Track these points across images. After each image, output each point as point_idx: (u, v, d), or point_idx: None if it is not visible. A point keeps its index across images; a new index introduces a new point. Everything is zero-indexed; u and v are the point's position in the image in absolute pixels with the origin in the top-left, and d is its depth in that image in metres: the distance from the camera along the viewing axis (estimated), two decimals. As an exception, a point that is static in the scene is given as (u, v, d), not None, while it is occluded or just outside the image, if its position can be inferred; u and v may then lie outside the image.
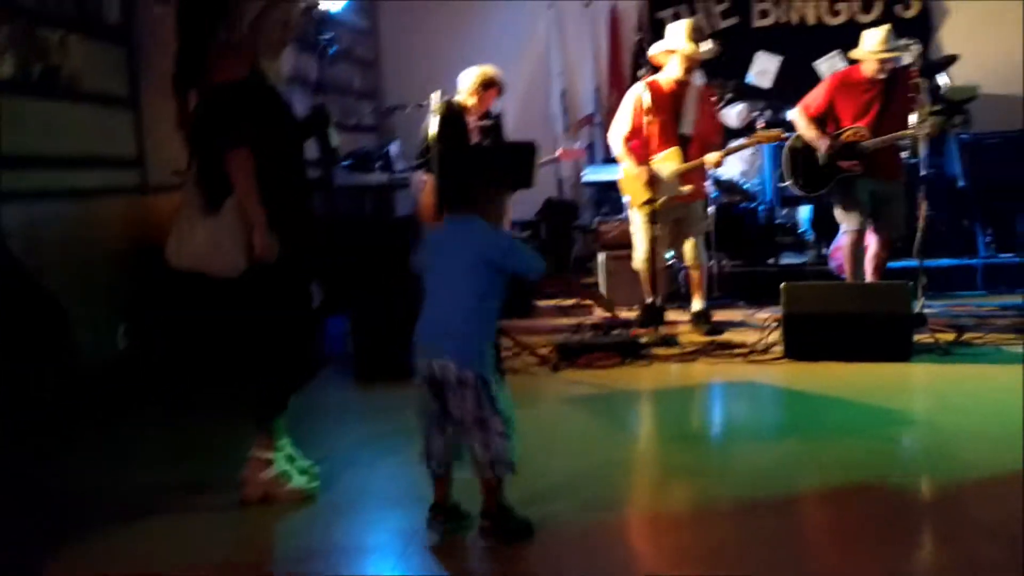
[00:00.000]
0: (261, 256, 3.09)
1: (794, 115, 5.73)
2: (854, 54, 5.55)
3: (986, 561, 2.60)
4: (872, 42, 5.41)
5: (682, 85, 5.62)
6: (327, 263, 6.30)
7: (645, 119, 5.56)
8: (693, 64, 5.60)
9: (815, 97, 5.64)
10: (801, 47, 8.58)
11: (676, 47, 5.54)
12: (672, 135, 5.58)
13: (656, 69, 5.79)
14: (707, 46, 5.61)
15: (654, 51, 5.76)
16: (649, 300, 5.85)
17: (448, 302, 2.79)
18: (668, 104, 5.60)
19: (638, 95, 5.66)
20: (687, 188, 5.56)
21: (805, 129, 5.61)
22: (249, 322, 3.30)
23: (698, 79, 6.23)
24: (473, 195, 2.87)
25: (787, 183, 5.93)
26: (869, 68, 5.45)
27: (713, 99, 5.96)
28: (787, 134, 5.80)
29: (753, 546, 2.78)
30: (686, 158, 5.58)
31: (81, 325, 4.26)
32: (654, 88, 5.64)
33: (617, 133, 5.78)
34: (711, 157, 5.54)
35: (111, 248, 4.65)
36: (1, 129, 3.89)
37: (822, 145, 5.50)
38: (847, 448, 3.68)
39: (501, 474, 2.79)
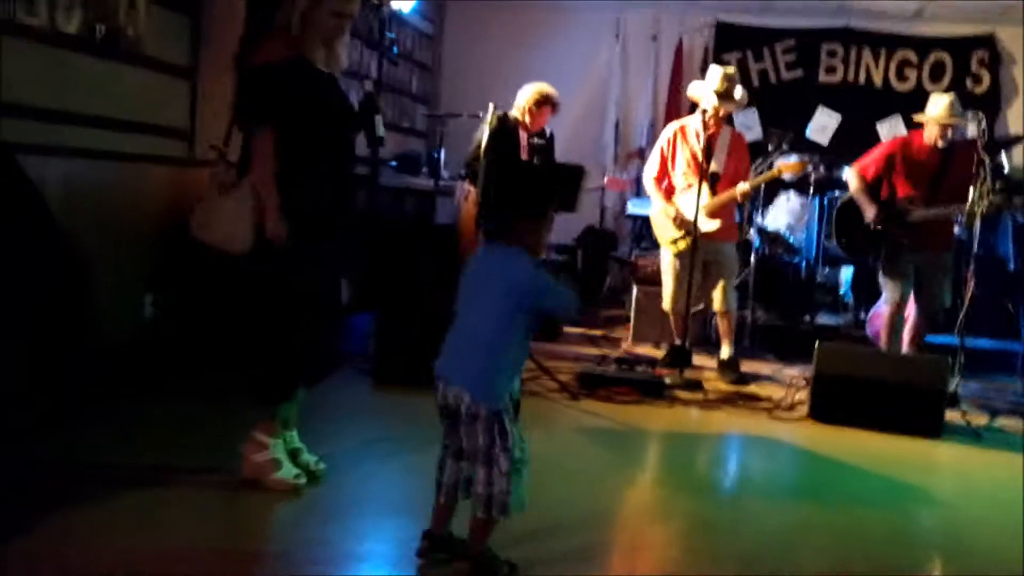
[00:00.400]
0: (270, 239, 3.09)
1: (849, 174, 5.62)
2: (919, 118, 5.44)
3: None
4: (937, 107, 5.31)
5: (714, 127, 5.57)
6: (360, 259, 6.32)
7: (679, 157, 5.66)
8: (722, 113, 5.58)
9: (873, 159, 5.53)
10: (864, 108, 8.50)
11: (705, 94, 5.54)
12: (701, 173, 5.53)
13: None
14: (739, 94, 5.60)
15: (692, 92, 5.74)
16: (677, 342, 5.76)
17: (474, 331, 2.70)
18: (700, 144, 5.57)
19: (669, 136, 5.78)
20: (715, 223, 5.48)
21: (857, 191, 5.50)
22: (259, 305, 3.28)
23: (753, 117, 6.22)
24: (518, 223, 2.73)
25: (833, 242, 5.81)
26: (931, 135, 5.33)
27: (744, 144, 5.88)
28: (810, 165, 5.69)
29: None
30: (714, 195, 5.55)
31: (110, 291, 4.25)
32: (689, 126, 5.72)
33: (649, 171, 5.86)
34: (741, 187, 5.49)
35: (149, 216, 4.63)
36: (56, 85, 3.90)
37: (870, 212, 5.39)
38: (860, 520, 3.56)
39: (496, 515, 2.66)
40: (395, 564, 2.82)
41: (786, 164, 5.53)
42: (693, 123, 5.71)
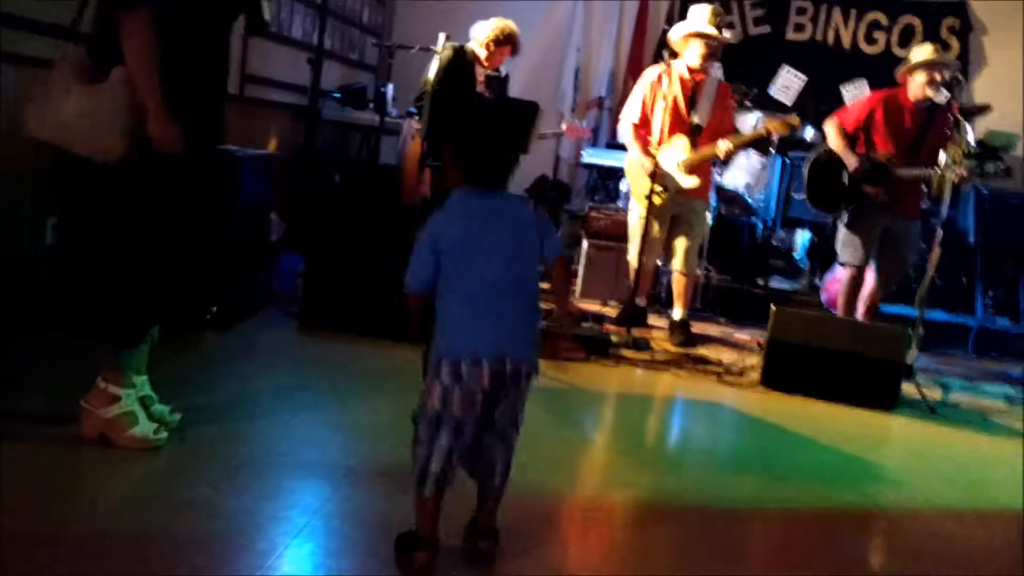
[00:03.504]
0: (161, 146, 2.60)
1: (827, 127, 5.32)
2: (902, 68, 5.12)
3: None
4: (923, 51, 5.02)
5: (700, 74, 5.23)
6: (294, 196, 5.91)
7: (658, 105, 5.23)
8: (712, 50, 5.21)
9: (855, 111, 5.25)
10: (830, 69, 8.23)
11: (696, 29, 5.15)
12: (683, 125, 5.19)
13: (675, 57, 5.39)
14: (728, 33, 5.23)
15: (674, 34, 5.34)
16: (634, 299, 5.47)
17: (509, 292, 2.35)
18: (683, 92, 5.22)
19: (652, 80, 5.34)
20: (694, 180, 5.17)
21: (836, 141, 5.20)
22: (121, 228, 2.78)
23: (717, 72, 5.88)
24: (512, 162, 2.44)
25: (802, 197, 5.54)
26: (917, 86, 5.03)
27: (731, 96, 5.55)
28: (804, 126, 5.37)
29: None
30: (695, 149, 5.19)
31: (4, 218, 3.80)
32: (670, 74, 5.29)
33: (627, 118, 5.43)
34: (723, 144, 5.11)
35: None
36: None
37: (852, 162, 5.09)
38: (810, 495, 3.35)
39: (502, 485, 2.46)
40: (289, 532, 2.49)
41: (772, 122, 5.15)
42: (677, 67, 5.30)
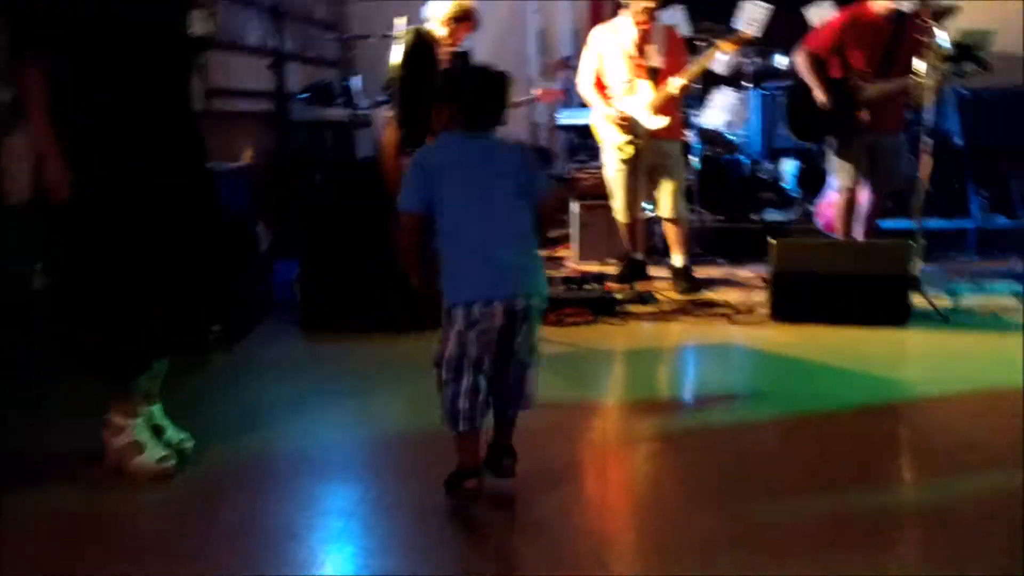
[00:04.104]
0: (48, 191, 2.59)
1: (797, 56, 5.27)
2: None
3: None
4: None
5: (646, 24, 5.22)
6: (277, 202, 5.85)
7: (614, 59, 5.33)
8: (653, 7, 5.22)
9: (821, 37, 5.19)
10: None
11: None
12: (642, 71, 5.20)
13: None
14: None
15: None
16: (632, 254, 5.46)
17: (506, 230, 2.43)
18: (633, 41, 5.22)
19: (601, 38, 5.47)
20: (660, 119, 5.16)
21: (807, 72, 5.16)
22: (76, 266, 2.76)
23: (680, 16, 5.85)
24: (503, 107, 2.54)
25: (785, 130, 5.50)
26: (881, 2, 4.97)
27: (679, 38, 5.55)
28: (752, 30, 5.30)
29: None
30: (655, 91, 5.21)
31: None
32: (618, 27, 5.38)
33: (584, 79, 5.53)
34: (676, 81, 5.13)
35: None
36: None
37: (821, 97, 5.06)
38: (838, 423, 3.33)
39: (531, 405, 2.62)
40: (327, 538, 2.48)
41: (722, 41, 5.13)
42: (622, 22, 5.38)
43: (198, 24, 2.81)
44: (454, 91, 2.52)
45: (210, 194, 3.20)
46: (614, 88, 5.39)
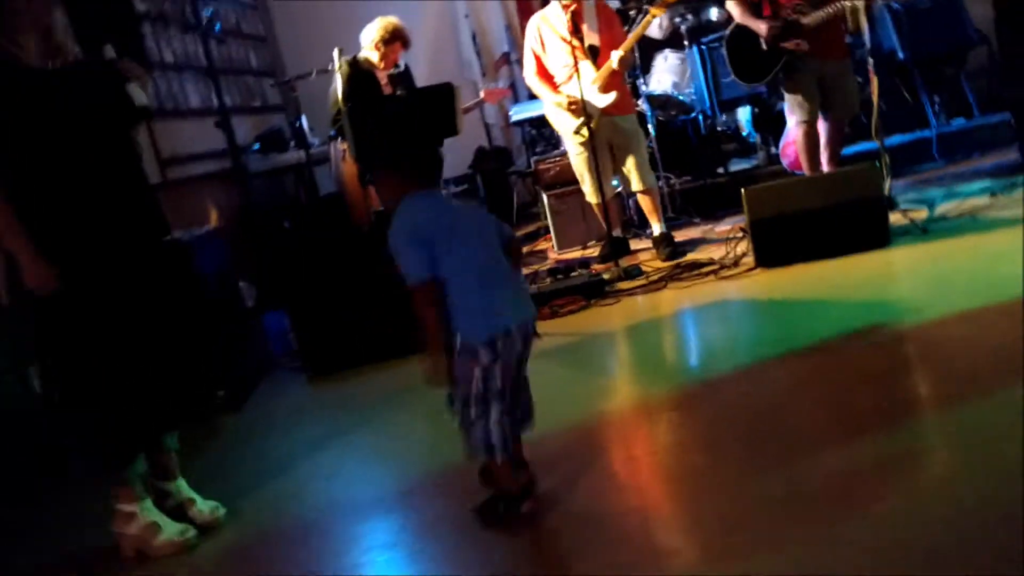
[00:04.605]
0: (35, 290, 2.61)
1: (728, 3, 5.31)
2: None
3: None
4: None
5: (573, 3, 5.23)
6: (253, 256, 5.85)
7: (553, 46, 5.40)
8: None
9: None
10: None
11: None
12: (582, 52, 5.25)
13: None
14: None
15: None
16: (611, 232, 5.51)
17: (499, 269, 2.52)
18: (567, 24, 5.23)
19: (535, 28, 5.53)
20: (610, 95, 5.21)
21: (740, 14, 5.20)
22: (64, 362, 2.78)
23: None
24: (437, 163, 2.65)
25: (731, 78, 5.53)
26: None
27: (610, 11, 5.60)
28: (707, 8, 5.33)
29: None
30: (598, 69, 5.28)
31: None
32: (550, 14, 5.47)
33: (528, 71, 5.60)
34: (615, 54, 5.17)
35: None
36: None
37: (762, 29, 5.08)
38: (846, 356, 3.34)
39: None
40: (393, 564, 2.51)
41: (653, 7, 5.16)
42: (552, 9, 5.46)
43: (135, 95, 2.83)
44: (390, 161, 2.54)
45: (185, 264, 3.22)
46: (558, 75, 5.45)
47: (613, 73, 5.24)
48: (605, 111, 5.27)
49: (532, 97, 7.73)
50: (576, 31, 5.22)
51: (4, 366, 3.91)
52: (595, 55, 5.27)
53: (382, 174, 2.57)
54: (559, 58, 5.40)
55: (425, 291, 2.40)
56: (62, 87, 2.68)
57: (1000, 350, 2.95)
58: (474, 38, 8.46)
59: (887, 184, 4.76)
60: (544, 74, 5.51)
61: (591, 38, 5.28)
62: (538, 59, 5.50)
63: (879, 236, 4.53)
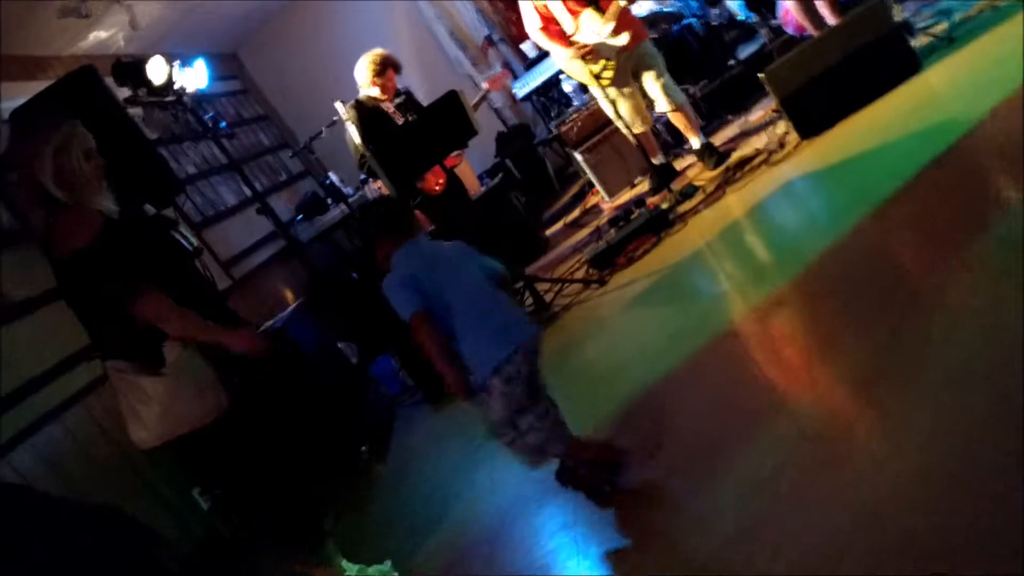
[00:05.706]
0: (255, 354, 2.81)
1: None
2: None
3: None
4: None
5: None
6: (342, 319, 6.06)
7: (554, 8, 5.33)
8: None
9: None
10: None
11: None
12: (578, 4, 5.24)
13: None
14: None
15: None
16: (656, 161, 5.53)
17: (490, 300, 2.69)
18: None
19: None
20: (624, 35, 5.20)
21: None
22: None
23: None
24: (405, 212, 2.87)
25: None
26: None
27: None
28: None
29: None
30: (603, 13, 5.23)
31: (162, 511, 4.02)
32: None
33: (532, 27, 5.47)
34: None
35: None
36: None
37: None
38: (905, 193, 3.32)
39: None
40: (578, 540, 2.65)
41: None
42: None
43: (187, 238, 3.18)
44: (376, 227, 2.79)
45: (291, 349, 3.42)
46: (567, 26, 5.36)
47: (622, 11, 5.22)
48: (622, 49, 5.26)
49: (529, 67, 7.80)
50: None
51: (169, 495, 4.18)
52: (595, 1, 5.22)
53: (371, 248, 2.81)
54: (561, 11, 5.31)
55: (418, 321, 2.59)
56: (146, 227, 3.01)
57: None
58: (452, 35, 8.55)
59: (897, 11, 4.70)
60: (548, 28, 5.39)
61: None
62: (540, 14, 5.38)
63: (909, 64, 4.49)
